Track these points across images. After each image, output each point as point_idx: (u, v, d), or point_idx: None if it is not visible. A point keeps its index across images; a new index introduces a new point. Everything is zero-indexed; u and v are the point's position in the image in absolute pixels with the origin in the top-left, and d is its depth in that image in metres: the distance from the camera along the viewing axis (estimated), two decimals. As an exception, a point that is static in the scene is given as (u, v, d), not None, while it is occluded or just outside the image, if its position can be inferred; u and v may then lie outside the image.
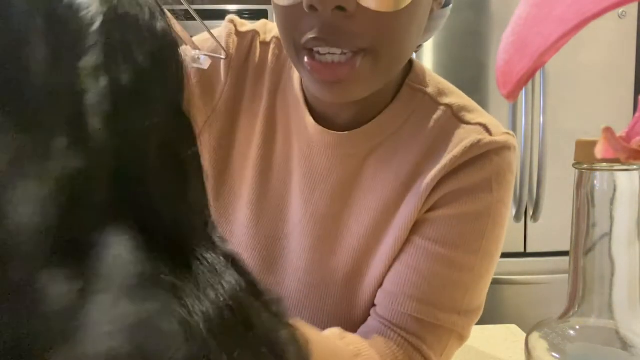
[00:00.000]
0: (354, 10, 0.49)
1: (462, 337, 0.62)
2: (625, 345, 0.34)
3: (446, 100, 0.63)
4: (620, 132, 0.24)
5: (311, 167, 0.64)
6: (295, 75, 0.65)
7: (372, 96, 0.59)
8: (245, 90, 0.66)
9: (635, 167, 0.33)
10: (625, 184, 0.34)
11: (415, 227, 0.61)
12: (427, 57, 1.89)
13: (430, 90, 0.63)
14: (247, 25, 0.67)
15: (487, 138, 0.60)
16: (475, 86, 1.83)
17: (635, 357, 0.33)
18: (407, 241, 0.62)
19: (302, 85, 0.64)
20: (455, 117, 0.62)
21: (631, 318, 0.34)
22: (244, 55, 0.66)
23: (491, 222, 0.60)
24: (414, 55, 0.65)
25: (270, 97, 0.66)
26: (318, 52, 0.52)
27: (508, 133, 0.62)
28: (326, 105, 0.62)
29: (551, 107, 1.91)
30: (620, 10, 1.88)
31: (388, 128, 0.62)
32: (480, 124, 0.61)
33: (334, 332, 0.58)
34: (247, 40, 0.66)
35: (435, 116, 0.62)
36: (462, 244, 0.60)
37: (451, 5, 0.62)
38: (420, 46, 0.65)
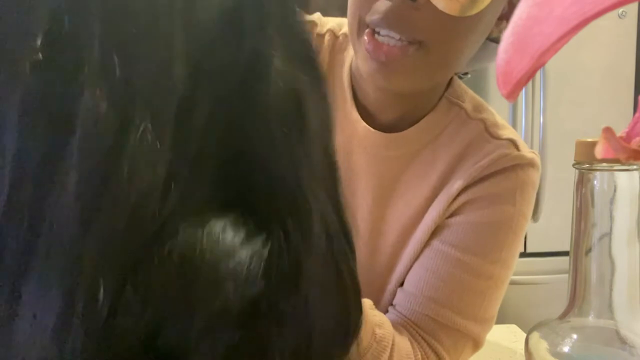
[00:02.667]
0: (423, 3, 0.52)
1: (476, 345, 0.63)
2: (625, 345, 0.34)
3: (480, 115, 0.65)
4: (620, 132, 0.24)
5: (350, 163, 0.66)
6: (345, 69, 0.66)
7: (413, 102, 0.62)
8: None
9: (635, 167, 0.33)
10: (625, 184, 0.34)
11: (437, 232, 0.63)
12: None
13: (466, 105, 0.65)
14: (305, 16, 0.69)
15: (514, 152, 0.62)
16: (475, 86, 1.82)
17: (635, 357, 0.33)
18: (427, 245, 0.63)
19: (351, 80, 0.66)
20: (487, 131, 0.64)
21: (631, 318, 0.34)
22: None
23: (512, 234, 0.62)
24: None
25: None
26: (378, 33, 0.54)
27: (534, 153, 0.64)
28: (372, 101, 0.64)
29: (551, 107, 1.91)
30: (620, 10, 1.88)
31: (425, 136, 0.64)
32: (509, 140, 0.63)
33: (367, 301, 0.60)
34: None
35: (468, 129, 0.64)
36: (483, 252, 0.61)
37: None
38: (466, 74, 0.68)
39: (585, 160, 0.34)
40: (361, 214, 0.66)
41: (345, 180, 0.65)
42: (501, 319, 0.78)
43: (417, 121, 0.64)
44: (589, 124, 1.87)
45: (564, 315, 0.36)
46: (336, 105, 0.67)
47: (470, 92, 0.68)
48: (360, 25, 0.56)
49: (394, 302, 0.64)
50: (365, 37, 0.55)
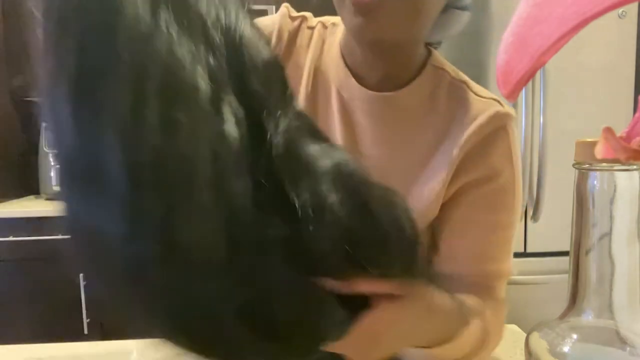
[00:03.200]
0: None
1: (507, 278, 0.73)
2: (625, 345, 0.34)
3: (462, 78, 0.74)
4: (620, 132, 0.24)
5: (351, 124, 0.73)
6: (335, 46, 0.75)
7: (395, 59, 0.70)
8: (288, 64, 0.77)
9: (635, 167, 0.33)
10: (625, 184, 0.34)
11: (461, 205, 0.71)
12: (427, 57, 1.89)
13: (448, 69, 0.74)
14: (297, 13, 0.81)
15: (502, 110, 0.70)
16: (475, 86, 1.82)
17: (635, 357, 0.33)
18: (462, 218, 0.72)
19: (341, 54, 0.74)
20: (472, 92, 0.72)
21: (631, 318, 0.34)
22: (293, 35, 0.78)
23: (517, 185, 0.73)
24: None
25: (311, 65, 0.77)
26: None
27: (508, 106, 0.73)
28: (360, 63, 0.72)
29: (551, 107, 1.91)
30: (620, 10, 1.88)
31: (415, 97, 0.72)
32: (493, 99, 0.72)
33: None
34: (296, 22, 0.79)
35: (455, 89, 0.72)
36: (504, 208, 0.72)
37: (469, 12, 0.72)
38: (440, 43, 0.76)
39: (585, 160, 0.34)
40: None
41: (350, 143, 0.72)
42: (501, 319, 0.78)
43: (404, 84, 0.71)
44: (589, 124, 1.87)
45: (564, 315, 0.36)
46: (331, 76, 0.76)
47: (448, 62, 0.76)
48: None
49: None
50: None
